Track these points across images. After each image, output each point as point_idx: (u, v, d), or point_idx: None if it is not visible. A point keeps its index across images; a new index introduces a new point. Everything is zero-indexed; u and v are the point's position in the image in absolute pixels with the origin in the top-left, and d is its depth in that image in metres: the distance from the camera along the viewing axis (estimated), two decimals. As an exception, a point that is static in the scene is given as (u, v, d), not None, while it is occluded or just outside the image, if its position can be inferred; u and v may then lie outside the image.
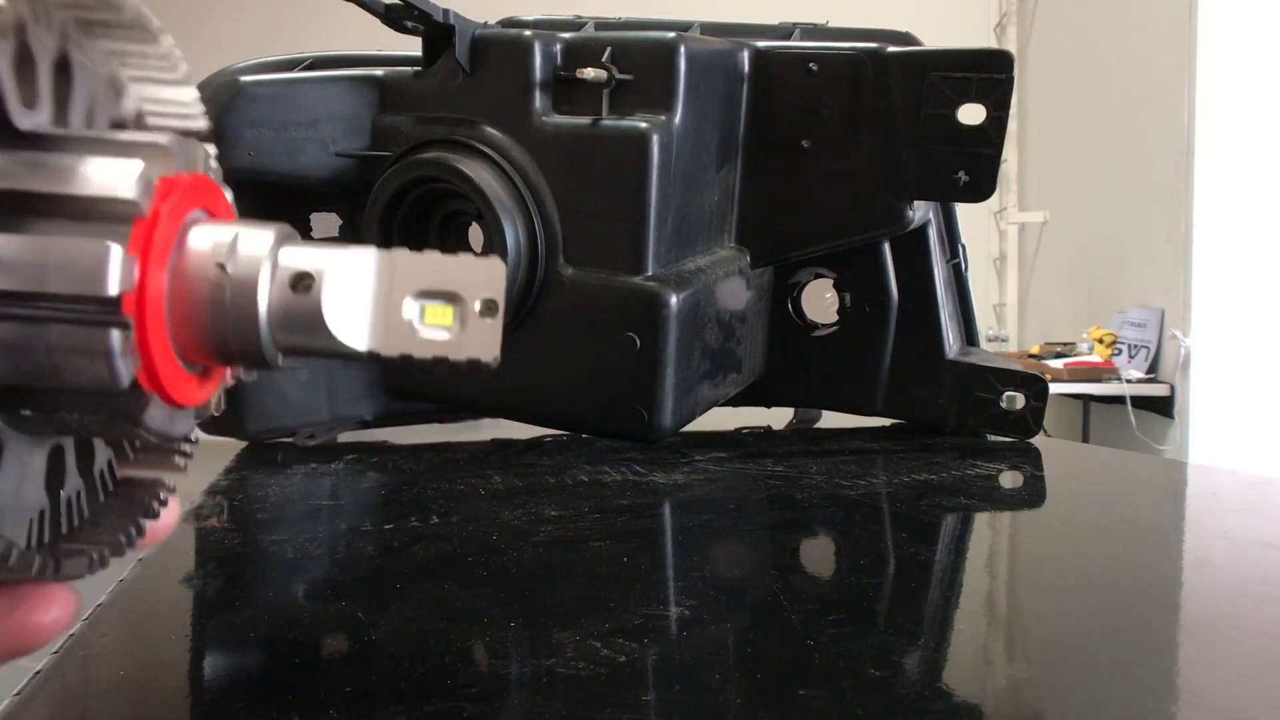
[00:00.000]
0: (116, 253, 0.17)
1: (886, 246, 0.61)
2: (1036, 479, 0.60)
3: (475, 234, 0.61)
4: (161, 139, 0.20)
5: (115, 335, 0.18)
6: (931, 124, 0.56)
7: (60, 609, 0.21)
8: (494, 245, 0.54)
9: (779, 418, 0.70)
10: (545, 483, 0.53)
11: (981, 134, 0.55)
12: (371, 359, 0.21)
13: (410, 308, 0.21)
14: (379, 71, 0.59)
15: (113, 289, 0.17)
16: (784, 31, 0.62)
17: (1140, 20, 3.23)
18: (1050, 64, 4.24)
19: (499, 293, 0.21)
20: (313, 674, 0.30)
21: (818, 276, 0.64)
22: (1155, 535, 0.48)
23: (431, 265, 0.21)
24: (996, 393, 0.62)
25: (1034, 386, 0.62)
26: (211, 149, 0.22)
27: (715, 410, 0.62)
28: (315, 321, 0.20)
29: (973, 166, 0.55)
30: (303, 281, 0.20)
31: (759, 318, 0.63)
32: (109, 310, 0.18)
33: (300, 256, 0.20)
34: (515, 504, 0.49)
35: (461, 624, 0.34)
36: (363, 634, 0.33)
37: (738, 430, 0.68)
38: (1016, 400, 0.61)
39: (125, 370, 0.18)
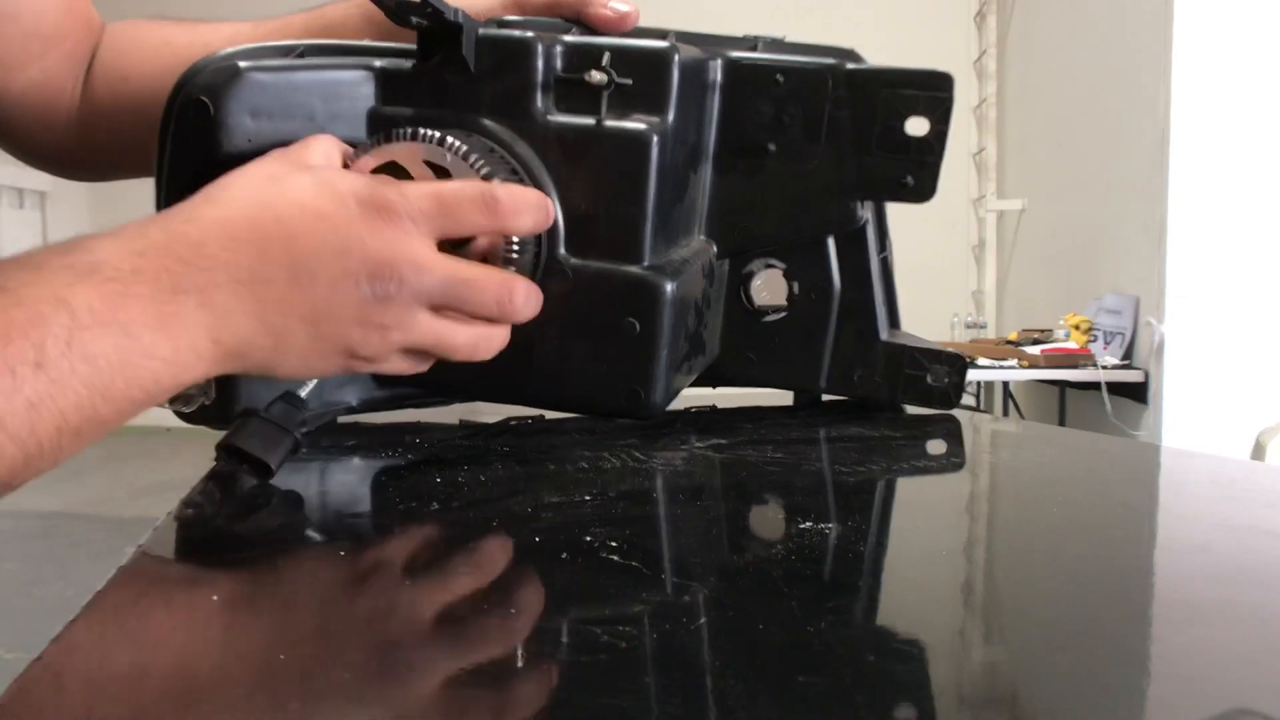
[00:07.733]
0: None
1: (831, 240, 0.67)
2: (1033, 465, 0.61)
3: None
4: None
5: None
6: (883, 134, 0.63)
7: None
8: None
9: (725, 397, 0.74)
10: (545, 469, 0.53)
11: (926, 144, 0.63)
12: None
13: None
14: (378, 62, 0.58)
15: None
16: (749, 43, 0.67)
17: (1118, 9, 3.25)
18: (1029, 53, 4.26)
19: None
20: (313, 669, 0.30)
21: (768, 266, 0.68)
22: (1154, 521, 0.49)
23: None
24: (923, 370, 0.68)
25: (955, 364, 0.69)
26: None
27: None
28: None
29: (918, 172, 0.63)
30: None
31: (718, 304, 0.67)
32: None
33: None
34: (516, 490, 0.49)
35: (461, 613, 0.34)
36: (363, 628, 0.33)
37: (741, 418, 0.70)
38: (941, 376, 0.68)
39: None
